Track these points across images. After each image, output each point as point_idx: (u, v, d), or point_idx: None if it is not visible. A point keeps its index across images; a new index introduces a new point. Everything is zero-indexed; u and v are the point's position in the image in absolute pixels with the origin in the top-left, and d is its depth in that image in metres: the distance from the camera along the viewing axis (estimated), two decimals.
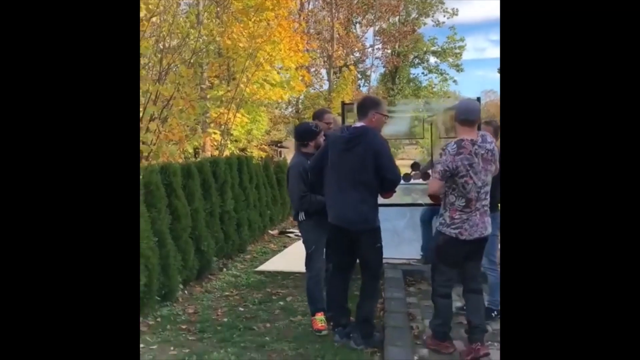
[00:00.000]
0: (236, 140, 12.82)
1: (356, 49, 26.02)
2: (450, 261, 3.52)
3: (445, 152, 3.37)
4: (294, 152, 4.47)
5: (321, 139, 4.13)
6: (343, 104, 4.98)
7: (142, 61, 7.60)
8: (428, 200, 4.12)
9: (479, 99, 4.74)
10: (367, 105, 3.73)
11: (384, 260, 3.93)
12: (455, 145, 3.35)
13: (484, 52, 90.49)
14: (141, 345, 3.64)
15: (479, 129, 3.72)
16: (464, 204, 3.36)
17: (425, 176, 6.32)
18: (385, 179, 3.60)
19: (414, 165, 6.75)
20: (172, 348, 3.79)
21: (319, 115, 4.83)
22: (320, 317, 4.07)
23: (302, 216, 4.13)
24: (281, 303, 4.89)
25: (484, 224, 3.42)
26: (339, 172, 3.64)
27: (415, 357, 3.52)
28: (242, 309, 4.74)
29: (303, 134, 4.24)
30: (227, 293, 5.29)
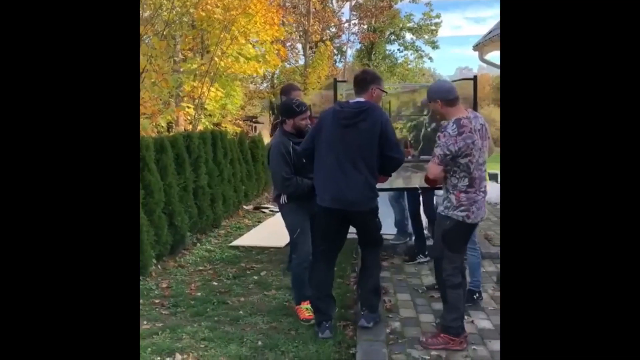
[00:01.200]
0: (210, 115, 12.69)
1: (332, 24, 25.78)
2: (458, 246, 3.35)
3: (445, 134, 3.16)
4: (272, 128, 4.30)
5: (302, 122, 3.85)
6: (335, 80, 4.76)
7: None
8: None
9: (475, 77, 4.76)
10: (367, 80, 3.48)
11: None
12: (455, 126, 3.15)
13: (460, 29, 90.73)
14: None
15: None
16: (467, 184, 3.21)
17: None
18: (393, 158, 3.40)
19: None
20: (145, 322, 3.78)
21: (286, 91, 4.61)
22: (306, 305, 3.82)
23: (284, 199, 3.87)
24: (255, 277, 4.91)
25: (484, 207, 3.31)
26: (338, 149, 3.33)
27: (387, 330, 3.58)
28: (215, 284, 4.74)
29: (282, 109, 3.98)
30: (200, 268, 5.28)
